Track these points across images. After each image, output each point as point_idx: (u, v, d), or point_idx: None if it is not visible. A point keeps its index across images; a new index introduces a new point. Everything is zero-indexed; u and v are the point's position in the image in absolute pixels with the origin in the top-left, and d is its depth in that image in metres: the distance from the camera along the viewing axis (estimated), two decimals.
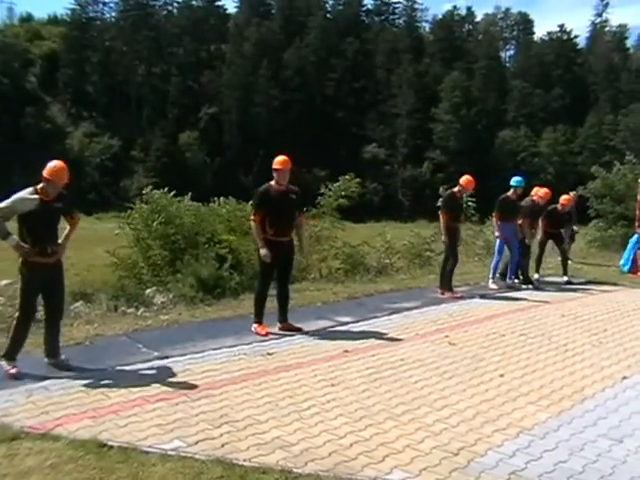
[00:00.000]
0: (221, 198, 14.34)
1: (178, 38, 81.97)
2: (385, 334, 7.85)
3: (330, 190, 14.27)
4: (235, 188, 44.75)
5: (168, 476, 4.00)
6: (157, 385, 5.64)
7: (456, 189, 10.73)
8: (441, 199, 10.85)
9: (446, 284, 10.53)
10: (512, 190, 11.55)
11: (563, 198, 12.77)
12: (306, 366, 6.41)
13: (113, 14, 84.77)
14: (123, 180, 66.39)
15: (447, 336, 7.82)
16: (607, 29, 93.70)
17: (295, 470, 4.14)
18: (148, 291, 10.78)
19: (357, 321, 8.40)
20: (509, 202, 11.56)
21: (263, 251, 7.46)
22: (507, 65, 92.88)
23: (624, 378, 6.51)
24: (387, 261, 14.36)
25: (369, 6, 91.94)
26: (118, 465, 4.10)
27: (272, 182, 7.74)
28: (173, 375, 5.94)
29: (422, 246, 15.55)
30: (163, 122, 73.77)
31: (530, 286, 11.70)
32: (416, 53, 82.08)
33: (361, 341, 7.42)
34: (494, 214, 11.73)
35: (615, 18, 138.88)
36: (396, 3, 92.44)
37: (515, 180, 11.61)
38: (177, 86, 76.95)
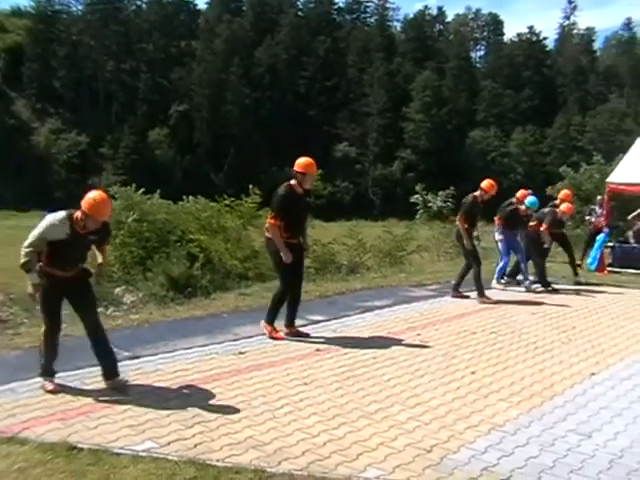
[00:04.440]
0: (190, 197, 14.32)
1: (148, 34, 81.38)
2: (357, 332, 7.86)
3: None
4: (205, 186, 44.49)
5: (140, 478, 3.95)
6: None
7: (477, 193, 10.52)
8: (463, 204, 10.51)
9: (479, 289, 10.30)
10: (524, 207, 11.40)
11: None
12: (279, 365, 6.39)
13: (80, 8, 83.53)
14: (91, 177, 65.44)
15: (419, 334, 7.85)
16: (575, 32, 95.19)
17: (269, 469, 4.12)
18: (117, 290, 10.68)
19: (329, 320, 8.39)
20: (519, 216, 11.40)
21: (287, 255, 7.14)
22: (477, 65, 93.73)
23: (592, 374, 6.60)
24: (357, 259, 14.42)
25: (341, 4, 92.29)
26: (89, 468, 4.04)
27: (292, 182, 7.37)
28: (144, 375, 5.88)
29: (393, 244, 15.66)
30: (132, 119, 73.13)
31: (550, 288, 11.69)
32: (388, 52, 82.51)
33: (333, 340, 7.42)
34: (498, 218, 11.60)
35: (582, 21, 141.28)
36: (367, 2, 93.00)
37: (530, 201, 11.42)
38: (146, 82, 76.34)
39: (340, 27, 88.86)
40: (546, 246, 11.76)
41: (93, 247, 5.72)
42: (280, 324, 7.56)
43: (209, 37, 78.91)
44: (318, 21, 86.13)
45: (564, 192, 12.66)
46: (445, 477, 4.17)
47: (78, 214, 5.29)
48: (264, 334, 7.48)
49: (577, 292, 11.75)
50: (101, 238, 5.63)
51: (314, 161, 7.44)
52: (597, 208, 15.98)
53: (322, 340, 7.38)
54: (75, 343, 6.21)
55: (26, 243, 5.29)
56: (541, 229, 11.58)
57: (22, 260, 5.28)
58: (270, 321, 7.47)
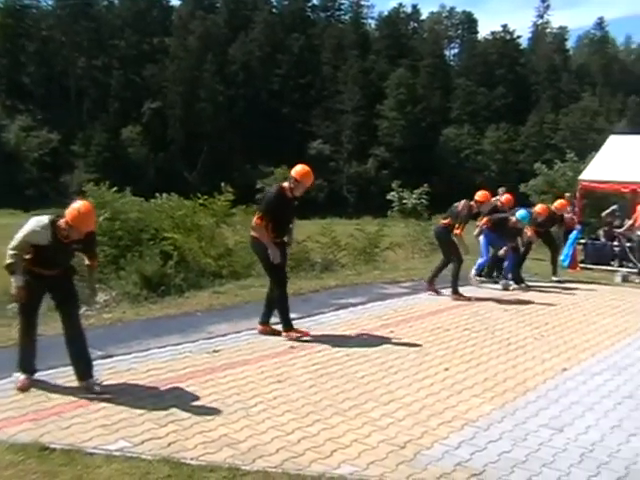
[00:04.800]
0: (164, 195, 14.24)
1: (120, 30, 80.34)
2: (331, 330, 7.87)
3: (268, 185, 14.33)
4: (179, 184, 44.28)
5: (114, 477, 3.92)
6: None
7: (472, 203, 10.51)
8: (460, 213, 10.37)
9: (454, 286, 10.36)
10: (515, 219, 11.28)
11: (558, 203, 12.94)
12: (252, 363, 6.38)
13: (50, 2, 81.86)
14: (63, 176, 64.65)
15: (392, 331, 7.89)
16: (548, 30, 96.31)
17: (243, 467, 4.12)
18: (87, 288, 10.54)
19: (303, 317, 8.37)
20: (508, 227, 11.32)
21: (275, 253, 7.10)
22: (451, 63, 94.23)
23: (564, 370, 6.69)
24: (331, 257, 14.43)
25: (315, 2, 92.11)
26: (61, 468, 4.00)
27: (284, 184, 7.33)
28: (117, 374, 5.83)
29: (366, 242, 15.71)
30: (104, 116, 72.28)
31: (523, 285, 11.76)
32: (362, 50, 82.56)
33: (307, 337, 7.42)
34: (487, 220, 11.44)
35: (555, 20, 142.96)
36: None
37: (521, 215, 11.29)
38: (119, 79, 75.53)
39: (314, 24, 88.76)
40: (532, 244, 11.98)
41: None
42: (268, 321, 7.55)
43: (182, 34, 78.22)
44: (292, 18, 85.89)
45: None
46: (419, 472, 4.20)
47: (62, 222, 5.21)
48: (238, 332, 7.47)
49: (550, 289, 11.88)
50: (86, 248, 5.59)
51: (311, 171, 7.39)
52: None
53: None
54: (48, 342, 6.12)
55: (11, 245, 5.25)
56: (528, 233, 11.69)
57: (7, 262, 5.25)
58: (289, 328, 7.41)
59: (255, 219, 7.27)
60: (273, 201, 7.22)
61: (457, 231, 10.19)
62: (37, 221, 5.29)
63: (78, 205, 5.28)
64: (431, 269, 10.93)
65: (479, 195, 10.76)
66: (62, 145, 68.64)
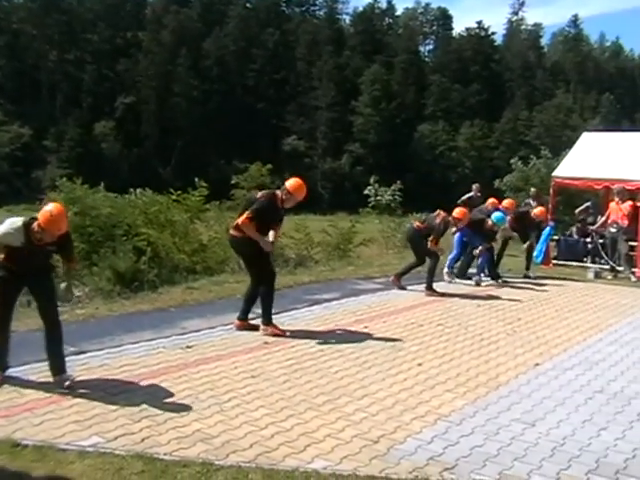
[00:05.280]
0: (137, 190, 14.15)
1: (92, 24, 79.27)
2: (305, 325, 7.90)
3: (243, 180, 14.35)
4: (153, 179, 43.87)
5: (87, 473, 3.90)
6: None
7: (450, 219, 10.63)
8: (437, 227, 10.31)
9: (429, 282, 10.44)
10: (491, 222, 11.40)
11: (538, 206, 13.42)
12: (226, 358, 6.37)
13: None
14: (35, 171, 63.62)
15: (366, 327, 7.93)
16: (523, 27, 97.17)
17: (216, 462, 4.11)
18: (63, 285, 10.44)
19: (277, 313, 8.33)
20: (486, 228, 11.42)
21: (265, 243, 7.20)
22: (426, 60, 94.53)
23: (536, 365, 6.76)
24: (305, 253, 14.45)
25: None
26: (34, 464, 3.97)
27: (277, 192, 7.43)
28: (90, 370, 5.79)
29: (340, 238, 15.76)
30: (77, 111, 71.36)
31: (499, 281, 11.86)
32: (337, 45, 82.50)
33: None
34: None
35: (530, 17, 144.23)
36: None
37: (496, 217, 11.45)
38: (92, 74, 74.53)
39: (289, 19, 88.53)
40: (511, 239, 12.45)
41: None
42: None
43: (156, 28, 77.49)
44: (267, 13, 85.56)
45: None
46: (392, 467, 4.22)
47: (35, 225, 5.17)
48: (212, 328, 7.46)
49: (522, 284, 12.01)
50: (61, 250, 5.55)
51: (304, 185, 7.53)
52: (532, 201, 16.17)
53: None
54: (20, 338, 6.06)
55: None
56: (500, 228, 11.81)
57: None
58: (270, 322, 7.42)
59: (243, 218, 7.27)
60: (265, 208, 7.26)
61: (431, 244, 10.30)
62: (11, 223, 5.26)
63: (50, 208, 5.25)
64: (403, 264, 11.03)
65: (457, 212, 10.90)
66: (34, 140, 67.53)
